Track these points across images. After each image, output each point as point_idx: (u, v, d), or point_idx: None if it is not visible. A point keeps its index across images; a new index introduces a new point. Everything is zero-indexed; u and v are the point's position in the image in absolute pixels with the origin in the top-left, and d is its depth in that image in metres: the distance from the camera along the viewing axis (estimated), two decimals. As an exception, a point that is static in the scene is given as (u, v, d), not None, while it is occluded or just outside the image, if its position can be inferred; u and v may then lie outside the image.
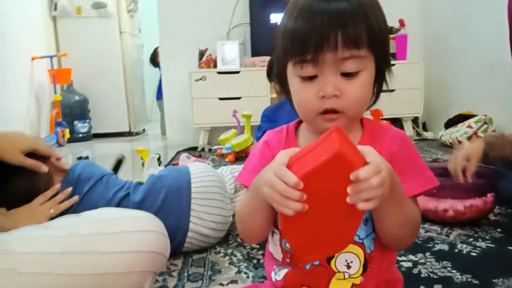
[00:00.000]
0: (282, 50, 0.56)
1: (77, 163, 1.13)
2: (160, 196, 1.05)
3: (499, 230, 1.17)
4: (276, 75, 0.61)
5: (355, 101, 0.54)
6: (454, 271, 0.91)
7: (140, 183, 1.12)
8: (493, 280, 0.86)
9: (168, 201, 1.05)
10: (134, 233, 0.78)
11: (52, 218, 0.99)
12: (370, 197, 0.46)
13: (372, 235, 0.56)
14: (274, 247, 0.61)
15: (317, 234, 0.51)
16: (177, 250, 1.04)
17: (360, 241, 0.56)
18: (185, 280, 0.92)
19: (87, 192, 1.06)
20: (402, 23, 3.11)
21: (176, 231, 1.03)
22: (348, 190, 0.45)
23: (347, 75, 0.53)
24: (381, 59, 0.57)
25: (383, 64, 0.58)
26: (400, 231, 0.55)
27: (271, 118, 1.72)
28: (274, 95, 2.75)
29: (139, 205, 1.03)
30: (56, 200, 1.02)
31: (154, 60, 4.51)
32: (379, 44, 0.55)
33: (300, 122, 0.65)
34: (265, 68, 2.00)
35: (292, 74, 0.56)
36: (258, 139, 1.84)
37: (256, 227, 0.59)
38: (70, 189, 1.04)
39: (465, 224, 1.19)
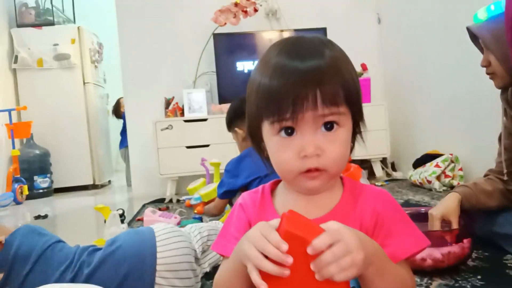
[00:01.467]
0: (256, 109, 0.55)
1: (14, 232, 0.96)
2: (120, 272, 0.91)
3: (479, 277, 1.12)
4: (250, 133, 0.59)
5: (336, 159, 0.53)
6: (439, 330, 0.85)
7: (96, 250, 0.98)
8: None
9: (128, 277, 0.91)
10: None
11: None
12: (340, 267, 0.43)
13: None
14: None
15: None
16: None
17: None
18: None
19: (28, 274, 0.89)
20: (364, 67, 3.21)
21: None
22: (312, 267, 0.43)
23: (328, 129, 0.52)
24: (357, 113, 0.56)
25: (359, 119, 0.57)
26: None
27: (233, 173, 1.65)
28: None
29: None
30: None
31: (117, 111, 4.40)
32: (355, 99, 0.54)
33: (277, 182, 0.63)
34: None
35: (270, 133, 0.54)
36: (219, 196, 1.75)
37: None
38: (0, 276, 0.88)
39: (444, 272, 1.14)
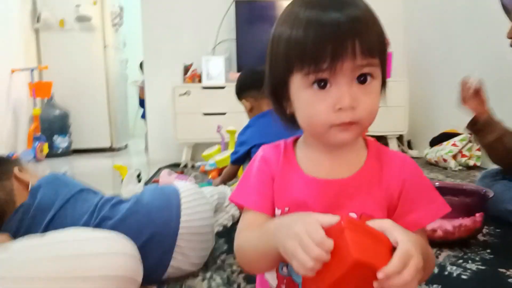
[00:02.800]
0: (286, 62, 0.53)
1: (39, 182, 0.95)
2: (142, 236, 0.89)
3: (488, 251, 1.13)
4: (272, 90, 0.57)
5: (370, 112, 0.52)
6: (445, 296, 0.87)
7: (119, 202, 0.96)
8: (486, 305, 0.81)
9: (151, 240, 0.90)
10: (102, 255, 0.71)
11: None
12: None
13: None
14: (269, 272, 0.58)
15: None
16: (152, 283, 0.93)
17: None
18: (159, 307, 0.85)
19: (48, 225, 0.89)
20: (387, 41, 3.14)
21: (155, 268, 0.91)
22: (375, 286, 0.42)
23: (362, 81, 0.51)
24: (384, 69, 0.55)
25: (385, 75, 0.56)
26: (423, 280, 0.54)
27: (240, 141, 1.70)
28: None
29: None
30: None
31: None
32: (385, 53, 0.54)
33: (296, 139, 0.62)
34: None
35: (302, 86, 0.53)
36: (231, 162, 1.79)
37: (262, 267, 0.57)
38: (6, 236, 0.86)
39: (454, 244, 1.16)
